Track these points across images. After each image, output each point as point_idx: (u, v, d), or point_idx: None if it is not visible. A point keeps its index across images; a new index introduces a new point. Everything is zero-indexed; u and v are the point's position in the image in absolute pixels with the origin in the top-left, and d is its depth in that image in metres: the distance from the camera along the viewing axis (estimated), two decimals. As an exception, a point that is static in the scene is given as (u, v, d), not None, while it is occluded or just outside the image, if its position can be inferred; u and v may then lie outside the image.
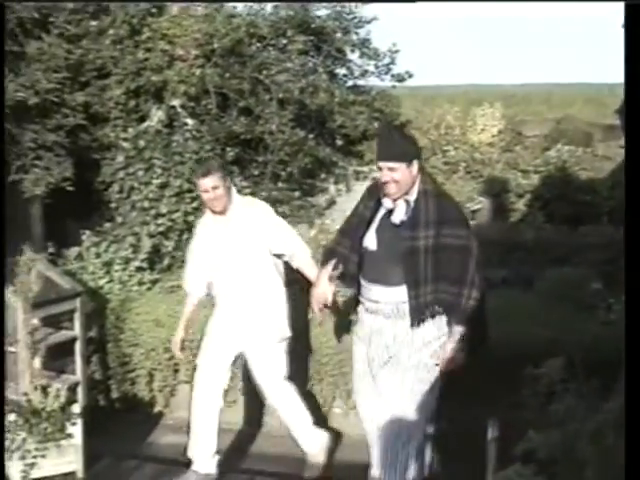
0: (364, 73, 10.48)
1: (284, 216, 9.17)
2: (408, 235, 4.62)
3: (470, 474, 4.71)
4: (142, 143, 8.24)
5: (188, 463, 5.57)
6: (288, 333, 5.57)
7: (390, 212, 4.75)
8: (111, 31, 8.72)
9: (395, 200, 4.71)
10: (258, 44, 9.65)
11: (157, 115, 8.67)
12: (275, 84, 9.14)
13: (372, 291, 4.73)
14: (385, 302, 4.69)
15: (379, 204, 4.80)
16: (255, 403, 6.42)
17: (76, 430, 5.33)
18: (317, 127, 9.78)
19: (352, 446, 6.27)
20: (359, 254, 4.77)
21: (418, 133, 10.35)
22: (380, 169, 4.68)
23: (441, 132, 12.89)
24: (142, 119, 8.74)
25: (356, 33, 10.16)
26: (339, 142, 10.05)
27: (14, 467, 5.11)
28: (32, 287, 5.83)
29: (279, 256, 5.53)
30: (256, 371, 5.61)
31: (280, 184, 9.33)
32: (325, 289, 4.81)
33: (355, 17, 10.10)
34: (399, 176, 4.60)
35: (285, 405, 5.70)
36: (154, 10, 9.16)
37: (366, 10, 10.09)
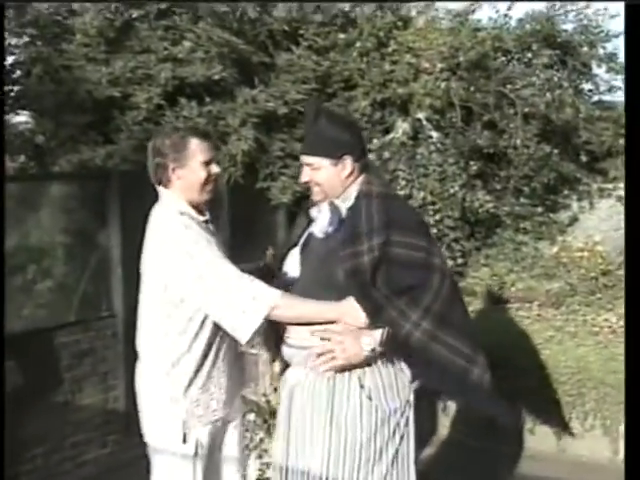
0: (610, 88, 10.11)
1: (526, 232, 9.08)
2: (348, 251, 3.46)
3: None
4: (387, 154, 8.30)
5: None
6: None
7: (312, 222, 3.75)
8: (358, 44, 8.82)
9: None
10: (503, 58, 9.49)
11: (402, 127, 8.67)
12: (520, 98, 8.95)
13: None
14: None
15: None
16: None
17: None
18: (561, 143, 9.49)
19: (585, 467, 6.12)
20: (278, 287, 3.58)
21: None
22: (302, 165, 3.74)
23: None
24: (387, 131, 8.77)
25: (603, 47, 9.83)
26: (583, 158, 9.71)
27: (251, 466, 5.17)
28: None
29: None
30: None
31: (522, 199, 9.12)
32: None
33: (602, 31, 9.77)
34: (322, 176, 3.61)
35: None
36: (400, 23, 9.18)
37: (613, 24, 9.76)
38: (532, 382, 6.95)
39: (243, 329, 3.44)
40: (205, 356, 3.64)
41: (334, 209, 3.60)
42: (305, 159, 3.65)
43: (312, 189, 3.68)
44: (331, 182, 3.61)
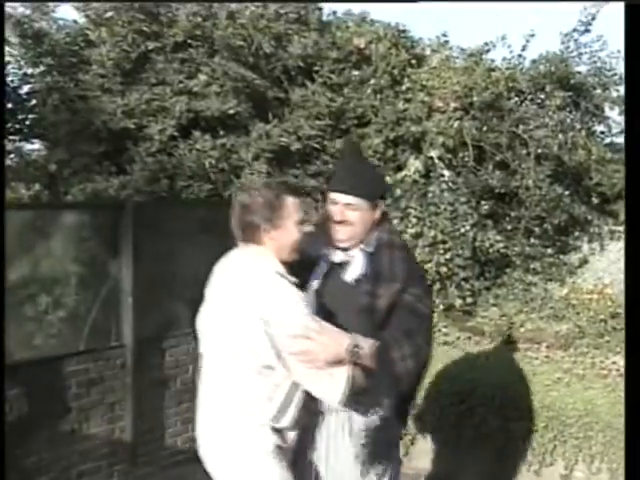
0: (622, 131, 10.16)
1: (535, 273, 9.07)
2: (366, 290, 3.51)
3: None
4: (398, 192, 8.30)
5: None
6: None
7: (338, 266, 3.64)
8: (372, 81, 8.90)
9: (345, 250, 3.63)
10: (517, 98, 9.55)
11: (414, 165, 8.70)
12: (533, 139, 8.99)
13: None
14: None
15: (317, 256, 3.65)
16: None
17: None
18: (573, 184, 9.52)
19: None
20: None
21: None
22: (334, 203, 3.59)
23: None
24: (399, 168, 8.81)
25: (616, 90, 9.87)
26: (594, 200, 9.74)
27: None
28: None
29: None
30: None
31: (533, 240, 9.13)
32: None
33: (615, 74, 9.82)
34: (358, 218, 3.54)
35: None
36: (414, 61, 9.24)
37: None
38: (539, 423, 6.94)
39: (333, 393, 3.26)
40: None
41: (367, 255, 3.58)
42: (343, 198, 3.55)
43: (339, 229, 3.57)
44: (365, 225, 3.57)
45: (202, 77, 7.86)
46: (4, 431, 4.94)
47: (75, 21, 8.29)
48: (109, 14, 7.97)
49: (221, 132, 7.79)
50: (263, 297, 3.26)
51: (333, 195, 3.59)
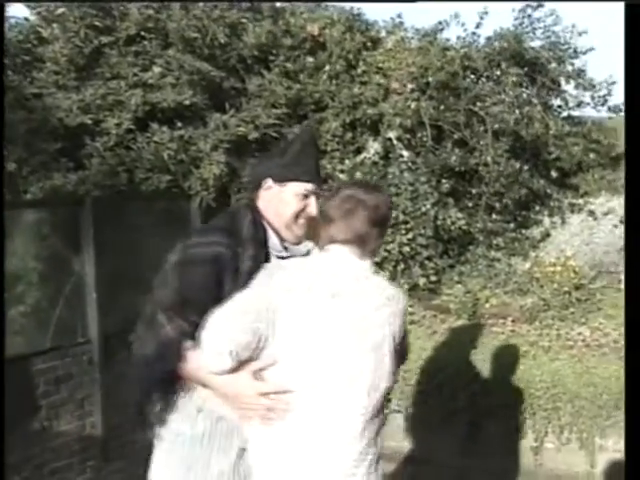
0: (579, 104, 10.21)
1: (498, 248, 9.15)
2: None
3: None
4: (359, 175, 8.35)
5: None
6: None
7: None
8: (327, 66, 8.90)
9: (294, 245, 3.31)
10: (472, 76, 9.60)
11: (373, 147, 8.76)
12: (490, 116, 9.05)
13: None
14: None
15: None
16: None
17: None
18: (532, 159, 9.60)
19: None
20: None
21: (635, 165, 9.94)
22: (305, 196, 3.25)
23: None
24: (358, 151, 8.86)
25: (571, 64, 9.93)
26: (554, 174, 9.82)
27: None
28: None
29: None
30: None
31: (494, 216, 9.22)
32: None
33: (570, 47, 9.88)
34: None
35: None
36: (369, 44, 9.27)
37: (582, 41, 9.88)
38: (507, 397, 7.01)
39: None
40: None
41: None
42: (313, 189, 3.26)
43: (303, 224, 3.28)
44: None
45: (157, 69, 7.83)
46: (4, 431, 4.97)
47: (27, 19, 8.22)
48: (60, 10, 7.89)
49: (178, 124, 7.76)
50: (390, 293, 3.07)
51: (306, 186, 3.24)
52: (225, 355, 2.83)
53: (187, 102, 7.71)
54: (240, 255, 3.08)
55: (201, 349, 2.88)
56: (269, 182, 3.25)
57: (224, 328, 2.84)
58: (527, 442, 6.99)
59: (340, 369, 2.90)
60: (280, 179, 3.25)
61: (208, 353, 2.87)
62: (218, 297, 2.94)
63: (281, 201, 3.24)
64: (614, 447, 6.75)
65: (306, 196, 3.25)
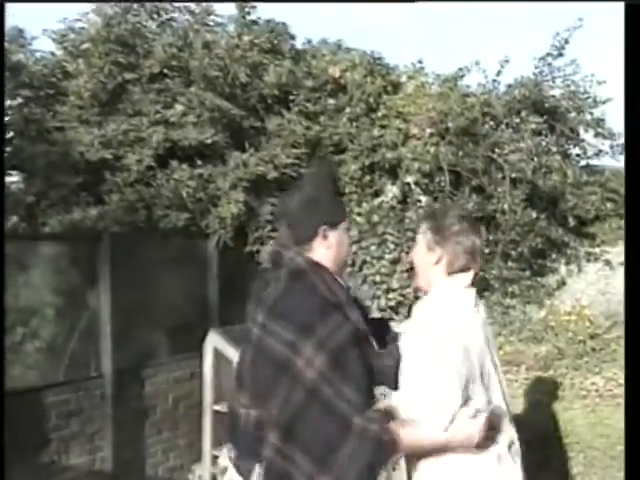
0: (598, 153, 10.25)
1: (514, 295, 9.13)
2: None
3: None
4: (376, 218, 8.37)
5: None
6: None
7: None
8: (348, 109, 8.94)
9: None
10: (492, 123, 9.63)
11: (391, 191, 8.77)
12: (508, 163, 9.07)
13: None
14: None
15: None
16: None
17: None
18: (549, 207, 9.61)
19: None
20: None
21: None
22: (346, 231, 3.31)
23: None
24: (376, 194, 8.86)
25: (590, 113, 9.98)
26: (571, 223, 9.81)
27: None
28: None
29: None
30: None
31: (510, 263, 9.20)
32: None
33: (589, 97, 9.94)
34: None
35: None
36: (389, 88, 9.32)
37: (601, 90, 9.94)
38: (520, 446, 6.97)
39: None
40: None
41: None
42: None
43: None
44: None
45: (179, 107, 7.88)
46: (4, 436, 4.96)
47: (52, 53, 8.31)
48: (86, 45, 7.99)
49: (198, 162, 7.79)
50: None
51: (345, 224, 3.29)
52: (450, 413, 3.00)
53: (208, 140, 7.73)
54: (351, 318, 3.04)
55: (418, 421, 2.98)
56: (324, 230, 3.15)
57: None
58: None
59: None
60: (333, 224, 3.19)
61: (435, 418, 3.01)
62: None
63: (340, 244, 3.21)
64: (626, 498, 6.70)
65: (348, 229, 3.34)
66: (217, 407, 6.40)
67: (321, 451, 2.81)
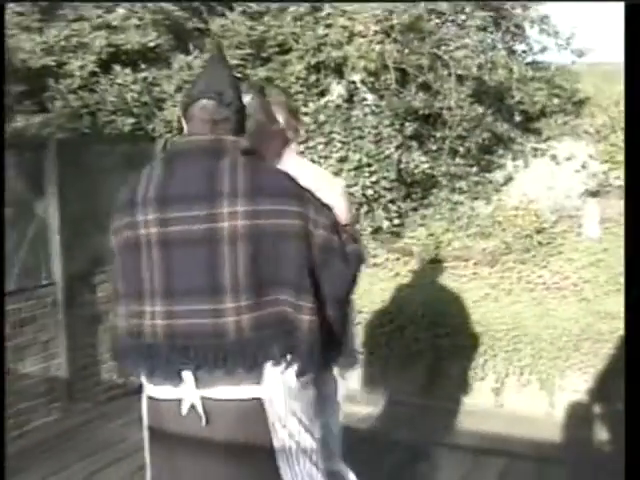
0: (543, 49, 10.24)
1: (461, 192, 9.20)
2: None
3: None
4: (322, 117, 8.35)
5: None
6: None
7: None
8: (292, 8, 8.83)
9: None
10: (437, 20, 9.55)
11: (337, 90, 8.73)
12: (454, 60, 9.03)
13: None
14: None
15: None
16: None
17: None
18: (495, 103, 9.61)
19: (523, 421, 6.31)
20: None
21: (597, 110, 10.03)
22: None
23: (621, 109, 12.47)
24: (322, 94, 8.82)
25: (536, 9, 9.94)
26: (517, 118, 9.84)
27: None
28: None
29: None
30: None
31: (458, 160, 9.24)
32: None
33: (535, -7, 9.91)
34: None
35: None
36: (334, -14, 9.22)
37: (546, -14, 9.90)
38: (469, 339, 7.12)
39: None
40: None
41: None
42: None
43: None
44: None
45: (121, 10, 7.77)
46: (4, 426, 4.99)
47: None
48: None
49: (142, 65, 7.73)
50: None
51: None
52: None
53: (152, 44, 7.66)
54: None
55: None
56: None
57: None
58: (488, 383, 7.11)
59: None
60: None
61: None
62: None
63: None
64: (573, 388, 6.89)
65: None
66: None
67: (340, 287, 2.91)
